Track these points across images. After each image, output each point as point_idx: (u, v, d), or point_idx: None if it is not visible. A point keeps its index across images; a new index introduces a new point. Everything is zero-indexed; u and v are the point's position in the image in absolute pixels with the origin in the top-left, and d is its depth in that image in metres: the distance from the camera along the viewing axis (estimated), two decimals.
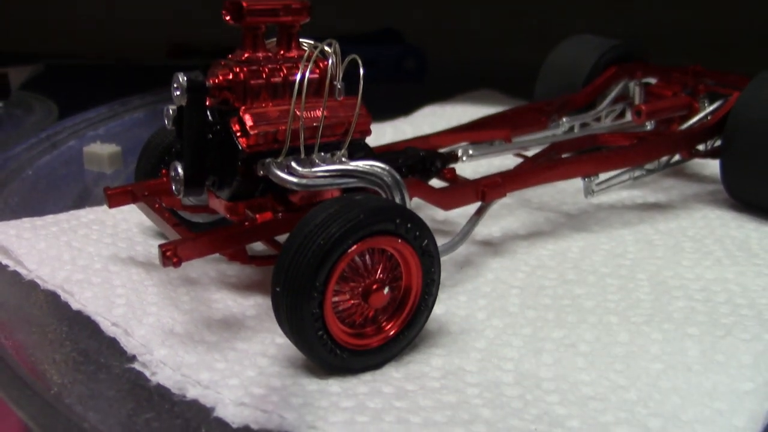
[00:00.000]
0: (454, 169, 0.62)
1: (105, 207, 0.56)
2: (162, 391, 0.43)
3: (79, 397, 0.43)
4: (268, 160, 0.49)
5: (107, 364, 0.46)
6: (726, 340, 0.48)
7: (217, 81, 0.50)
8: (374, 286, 0.45)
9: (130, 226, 0.63)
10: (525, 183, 0.61)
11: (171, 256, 0.46)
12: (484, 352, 0.48)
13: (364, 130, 0.54)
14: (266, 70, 0.51)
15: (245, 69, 0.50)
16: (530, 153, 0.68)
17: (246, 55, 0.51)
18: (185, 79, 0.47)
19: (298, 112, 0.48)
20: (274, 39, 0.53)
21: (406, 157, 0.60)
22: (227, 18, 0.50)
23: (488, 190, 0.57)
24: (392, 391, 0.44)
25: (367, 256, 0.45)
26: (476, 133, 0.71)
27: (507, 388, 0.44)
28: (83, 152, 0.82)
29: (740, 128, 0.66)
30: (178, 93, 0.48)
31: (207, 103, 0.49)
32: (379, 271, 0.45)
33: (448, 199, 0.58)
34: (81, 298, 0.51)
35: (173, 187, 0.50)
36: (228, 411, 0.41)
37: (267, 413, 0.41)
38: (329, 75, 0.49)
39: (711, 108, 0.74)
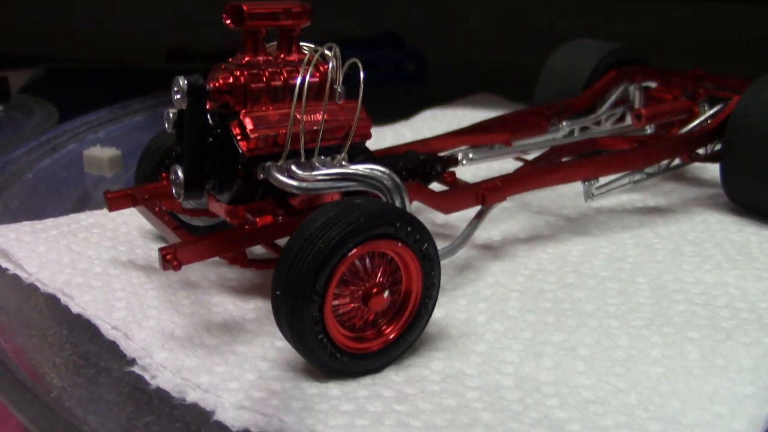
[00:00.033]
0: (454, 173, 0.62)
1: (105, 210, 0.56)
2: (162, 395, 0.43)
3: (79, 400, 0.43)
4: (268, 163, 0.49)
5: (107, 368, 0.46)
6: (726, 344, 0.48)
7: (217, 84, 0.50)
8: (374, 290, 0.45)
9: (130, 229, 0.63)
10: (525, 187, 0.61)
11: (171, 259, 0.46)
12: (484, 356, 0.48)
13: (364, 134, 0.54)
14: (267, 73, 0.51)
15: (246, 72, 0.50)
16: (530, 157, 0.68)
17: (246, 59, 0.51)
18: (186, 82, 0.47)
19: (298, 116, 0.48)
20: (275, 42, 0.53)
21: (406, 160, 0.60)
22: (228, 22, 0.51)
23: (488, 193, 0.57)
24: (392, 394, 0.43)
25: (367, 260, 0.45)
26: (476, 137, 0.71)
27: (507, 392, 0.44)
28: (83, 156, 0.82)
29: (740, 132, 0.66)
30: (178, 96, 0.48)
31: (207, 107, 0.49)
32: (379, 275, 0.45)
33: (448, 202, 0.58)
34: (81, 302, 0.51)
35: (173, 191, 0.50)
36: (228, 414, 0.41)
37: (267, 417, 0.41)
38: (329, 79, 0.49)
39: (711, 112, 0.74)
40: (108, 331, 0.49)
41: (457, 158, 0.64)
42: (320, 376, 0.45)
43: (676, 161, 0.72)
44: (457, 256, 0.59)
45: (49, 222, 0.64)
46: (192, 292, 0.54)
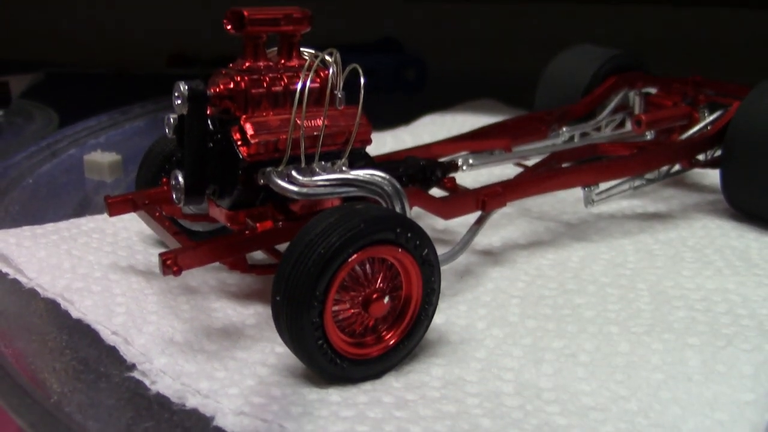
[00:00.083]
0: (454, 179, 0.62)
1: (105, 215, 0.56)
2: (162, 400, 0.43)
3: (78, 405, 0.43)
4: (268, 169, 0.49)
5: (107, 373, 0.46)
6: (727, 350, 0.48)
7: (218, 90, 0.50)
8: (374, 296, 0.45)
9: (131, 234, 0.63)
10: (525, 192, 0.61)
11: (171, 264, 0.46)
12: (485, 362, 0.48)
13: (364, 140, 0.54)
14: (267, 79, 0.51)
15: (246, 78, 0.50)
16: (530, 162, 0.68)
17: (247, 64, 0.51)
18: (186, 88, 0.47)
19: (298, 122, 0.49)
20: (275, 48, 0.53)
21: (406, 166, 0.60)
22: (228, 27, 0.51)
23: (488, 199, 0.58)
24: (392, 400, 0.43)
25: (368, 266, 0.45)
26: (476, 143, 0.71)
27: (507, 398, 0.44)
28: (84, 161, 0.82)
29: (740, 138, 0.66)
30: (179, 102, 0.48)
31: (208, 112, 0.50)
32: (379, 281, 0.45)
33: (448, 208, 0.58)
34: (81, 307, 0.51)
35: (174, 196, 0.50)
36: (228, 420, 0.41)
37: (267, 422, 0.41)
38: (330, 84, 0.49)
39: (711, 118, 0.74)
40: (108, 336, 0.49)
41: (457, 164, 0.64)
42: (320, 382, 0.45)
43: (676, 167, 0.72)
44: (458, 262, 0.59)
45: (50, 227, 0.64)
46: (192, 298, 0.54)
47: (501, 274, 0.59)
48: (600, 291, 0.56)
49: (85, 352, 0.48)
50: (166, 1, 1.55)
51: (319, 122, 0.50)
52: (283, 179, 0.48)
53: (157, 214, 0.54)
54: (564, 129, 0.75)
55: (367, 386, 0.45)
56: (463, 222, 0.60)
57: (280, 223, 0.51)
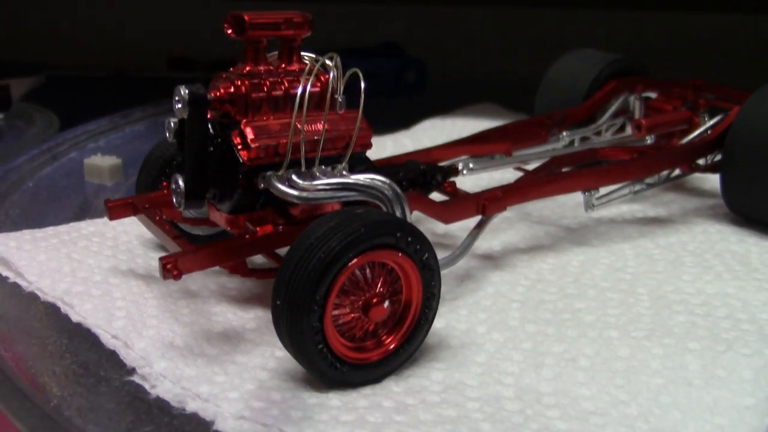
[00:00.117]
0: (454, 183, 0.62)
1: (105, 219, 0.56)
2: (161, 404, 0.43)
3: (78, 409, 0.43)
4: (269, 173, 0.49)
5: (107, 377, 0.46)
6: (727, 355, 0.48)
7: (218, 94, 0.50)
8: (374, 300, 0.45)
9: (131, 238, 0.63)
10: (525, 197, 0.61)
11: (171, 268, 0.46)
12: (485, 367, 0.47)
13: (365, 144, 0.54)
14: (267, 83, 0.51)
15: (247, 82, 0.50)
16: (531, 167, 0.68)
17: (247, 69, 0.51)
18: (187, 91, 0.47)
19: (299, 126, 0.49)
20: (276, 52, 0.53)
21: (406, 170, 0.60)
22: (229, 31, 0.51)
23: (489, 203, 0.58)
24: (392, 405, 0.43)
25: (368, 270, 0.45)
26: (477, 147, 0.71)
27: (507, 403, 0.44)
28: (84, 164, 0.82)
29: (740, 143, 0.66)
30: (179, 106, 0.48)
31: (208, 116, 0.50)
32: (379, 285, 0.45)
33: (448, 212, 0.58)
34: (81, 311, 0.51)
35: (174, 200, 0.50)
36: (228, 424, 0.41)
37: (267, 427, 0.41)
38: (330, 88, 0.49)
39: (711, 122, 0.74)
40: (108, 340, 0.49)
41: (457, 168, 0.64)
42: (320, 386, 0.45)
43: (677, 172, 0.72)
44: (458, 266, 0.59)
45: (50, 230, 0.64)
46: (192, 302, 0.54)
47: (501, 279, 0.59)
48: (600, 295, 0.56)
49: (85, 356, 0.48)
50: (167, 5, 1.55)
51: (320, 126, 0.50)
52: (283, 183, 0.48)
53: (158, 217, 0.54)
54: (564, 133, 0.75)
55: (367, 390, 0.45)
56: (464, 226, 0.60)
57: (281, 227, 0.51)
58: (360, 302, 0.45)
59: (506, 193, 0.59)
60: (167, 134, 0.50)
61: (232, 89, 0.50)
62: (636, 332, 0.51)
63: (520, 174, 0.66)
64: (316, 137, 0.50)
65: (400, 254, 0.44)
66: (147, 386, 0.45)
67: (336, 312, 0.44)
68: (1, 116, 1.08)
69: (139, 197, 0.57)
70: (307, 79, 0.48)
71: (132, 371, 0.46)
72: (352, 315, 0.45)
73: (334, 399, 0.44)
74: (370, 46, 1.37)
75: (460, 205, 0.58)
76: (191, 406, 0.43)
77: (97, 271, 0.57)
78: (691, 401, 0.44)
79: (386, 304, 0.45)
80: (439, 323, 0.51)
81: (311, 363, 0.43)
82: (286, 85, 0.51)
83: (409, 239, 0.44)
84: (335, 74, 0.50)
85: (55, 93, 1.29)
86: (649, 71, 0.87)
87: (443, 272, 0.49)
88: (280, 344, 0.45)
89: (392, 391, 0.45)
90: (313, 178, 0.49)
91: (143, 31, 1.55)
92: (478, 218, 0.59)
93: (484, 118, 1.00)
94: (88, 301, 0.52)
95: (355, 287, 0.44)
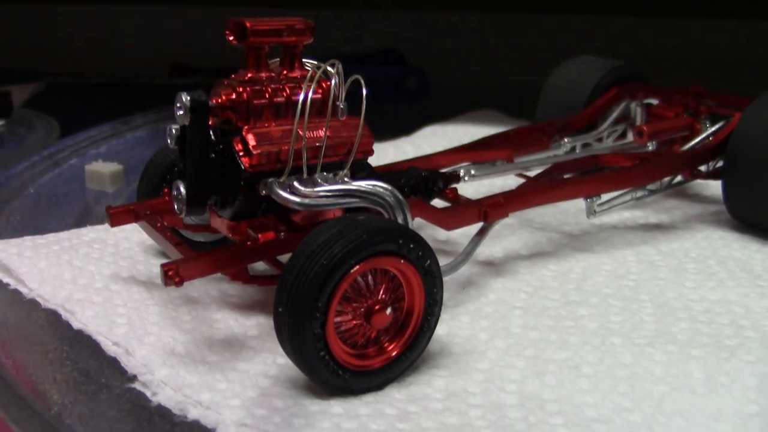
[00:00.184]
0: (456, 189, 0.62)
1: (106, 226, 0.56)
2: (163, 412, 0.43)
3: (79, 417, 0.43)
4: (270, 179, 0.49)
5: (108, 384, 0.46)
6: (730, 362, 0.48)
7: (220, 101, 0.50)
8: (376, 307, 0.45)
9: (132, 245, 0.63)
10: (527, 203, 0.61)
11: (173, 275, 0.46)
12: (487, 374, 0.47)
13: (366, 150, 0.54)
14: (269, 90, 0.51)
15: (248, 89, 0.50)
16: (532, 173, 0.68)
17: (249, 75, 0.51)
18: (188, 98, 0.47)
19: (300, 132, 0.48)
20: (278, 59, 0.53)
21: (408, 177, 0.60)
22: (231, 38, 0.51)
23: (490, 210, 0.57)
24: (394, 412, 0.43)
25: (370, 277, 0.45)
26: (478, 153, 0.71)
27: (510, 410, 0.44)
28: (85, 171, 0.82)
29: (742, 149, 0.66)
30: (181, 112, 0.48)
31: (210, 123, 0.50)
32: (381, 292, 0.45)
33: (450, 219, 0.57)
34: (82, 318, 0.51)
35: (175, 207, 0.50)
36: None
37: None
38: (332, 95, 0.49)
39: (713, 129, 0.74)
40: (109, 347, 0.49)
41: (459, 174, 0.64)
42: (322, 394, 0.44)
43: (678, 178, 0.72)
44: (459, 273, 0.59)
45: (51, 237, 0.63)
46: (193, 309, 0.54)
47: (503, 285, 0.59)
48: (603, 302, 0.56)
49: (86, 363, 0.48)
50: (169, 12, 1.55)
51: (321, 133, 0.50)
52: (285, 190, 0.48)
53: (159, 224, 0.54)
54: (566, 140, 0.75)
55: (369, 398, 0.45)
56: (465, 233, 0.60)
57: (282, 233, 0.51)
58: (362, 309, 0.45)
59: (508, 199, 0.59)
60: (168, 141, 0.50)
61: (233, 96, 0.50)
62: (639, 339, 0.51)
63: (521, 180, 0.66)
64: (317, 144, 0.50)
65: (402, 261, 0.44)
66: (148, 394, 0.44)
67: (338, 319, 0.44)
68: (3, 123, 1.08)
69: (141, 204, 0.56)
70: (309, 86, 0.48)
71: (133, 378, 0.46)
72: (354, 322, 0.45)
73: (336, 406, 0.43)
74: (371, 53, 1.38)
75: (461, 211, 0.58)
76: (193, 414, 0.43)
77: (99, 277, 0.57)
78: (695, 408, 0.44)
79: (388, 311, 0.45)
80: (441, 330, 0.51)
81: (313, 370, 0.43)
82: (288, 91, 0.51)
83: (411, 246, 0.44)
84: (337, 81, 0.49)
85: (56, 99, 1.29)
86: (649, 78, 0.87)
87: (445, 279, 0.49)
88: (281, 351, 0.44)
89: (394, 398, 0.45)
90: (315, 184, 0.49)
91: (145, 38, 1.56)
92: (479, 225, 0.58)
93: (485, 125, 1.00)
94: (89, 308, 0.52)
95: (357, 294, 0.44)
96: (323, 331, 0.42)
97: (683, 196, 0.79)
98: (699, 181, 0.76)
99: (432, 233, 0.66)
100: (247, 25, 0.50)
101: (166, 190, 0.57)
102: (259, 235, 0.50)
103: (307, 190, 0.48)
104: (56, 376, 0.47)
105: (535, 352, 0.50)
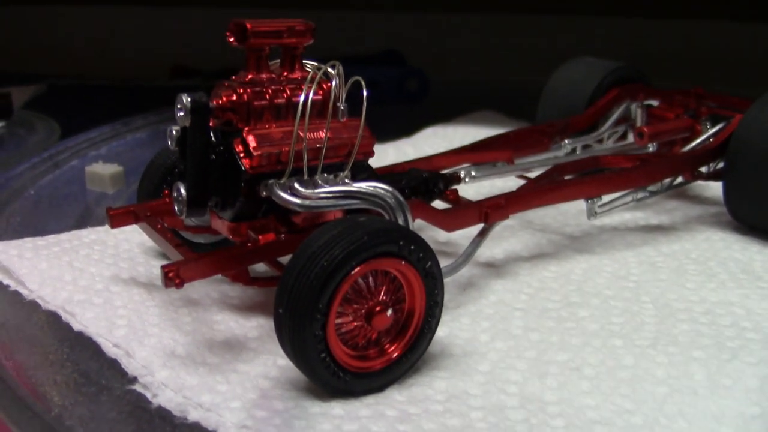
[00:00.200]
0: (456, 191, 0.62)
1: (107, 227, 0.56)
2: (163, 414, 0.43)
3: (80, 418, 0.43)
4: (271, 181, 0.49)
5: (108, 386, 0.46)
6: (732, 363, 0.48)
7: (220, 102, 0.50)
8: (377, 308, 0.44)
9: (132, 246, 0.63)
10: (528, 205, 0.61)
11: (173, 277, 0.46)
12: (488, 375, 0.47)
13: (367, 152, 0.54)
14: (270, 91, 0.51)
15: (249, 90, 0.50)
16: (533, 174, 0.68)
17: (250, 77, 0.51)
18: (189, 100, 0.47)
19: (301, 134, 0.48)
20: (278, 60, 0.53)
21: (409, 178, 0.60)
22: (231, 40, 0.51)
23: (491, 211, 0.57)
24: (395, 414, 0.43)
25: (371, 278, 0.44)
26: (479, 155, 0.71)
27: (511, 412, 0.44)
28: (85, 172, 0.82)
29: (743, 150, 0.66)
30: (181, 114, 0.48)
31: (210, 124, 0.49)
32: (382, 293, 0.45)
33: (450, 220, 0.57)
34: (82, 319, 0.51)
35: (176, 208, 0.50)
36: None
37: None
38: (333, 96, 0.49)
39: (713, 130, 0.74)
40: (109, 348, 0.48)
41: (459, 176, 0.64)
42: (323, 396, 0.44)
43: (679, 179, 0.72)
44: (460, 275, 0.59)
45: (51, 238, 0.63)
46: (194, 310, 0.54)
47: (504, 287, 0.59)
48: (604, 304, 0.56)
49: (86, 365, 0.48)
50: (169, 13, 1.55)
51: (322, 134, 0.50)
52: (285, 191, 0.48)
53: (159, 226, 0.54)
54: (566, 141, 0.75)
55: (370, 400, 0.45)
56: (466, 234, 0.60)
57: (283, 235, 0.51)
58: (363, 311, 0.45)
59: (509, 200, 0.59)
60: (169, 142, 0.50)
61: (234, 97, 0.50)
62: (640, 341, 0.51)
63: (522, 182, 0.66)
64: (318, 145, 0.50)
65: (403, 262, 0.44)
66: (149, 395, 0.44)
67: (339, 320, 0.44)
68: (3, 124, 1.08)
69: (141, 205, 0.56)
70: (310, 87, 0.48)
71: (133, 380, 0.46)
72: (355, 323, 0.45)
73: (337, 408, 0.43)
74: (371, 54, 1.38)
75: (462, 212, 0.58)
76: (193, 416, 0.42)
77: (99, 279, 0.57)
78: (697, 410, 0.44)
79: (389, 312, 0.45)
80: (441, 332, 0.51)
81: (314, 372, 0.43)
82: (289, 93, 0.51)
83: (412, 247, 0.44)
84: (337, 82, 0.49)
85: (56, 101, 1.29)
86: (649, 79, 0.87)
87: (446, 280, 0.49)
88: (282, 353, 0.44)
89: (395, 400, 0.45)
90: (316, 186, 0.49)
91: (145, 40, 1.56)
92: (480, 226, 0.58)
93: (485, 126, 1.00)
94: (90, 310, 0.52)
95: (357, 296, 0.44)
96: (324, 333, 0.42)
97: (684, 198, 0.79)
98: (700, 183, 0.76)
99: (432, 234, 0.66)
100: (248, 26, 0.50)
101: (166, 191, 0.57)
102: (260, 237, 0.50)
103: (308, 191, 0.48)
104: (56, 378, 0.47)
105: (536, 353, 0.50)
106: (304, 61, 0.53)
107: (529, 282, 0.60)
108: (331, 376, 0.43)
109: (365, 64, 1.27)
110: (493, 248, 0.66)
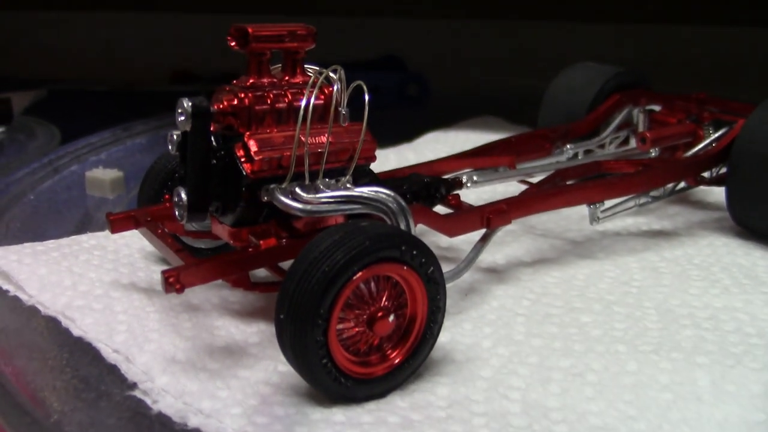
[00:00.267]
0: (458, 196, 0.62)
1: (107, 232, 0.56)
2: (163, 420, 0.43)
3: (79, 424, 0.43)
4: (272, 186, 0.49)
5: (108, 392, 0.46)
6: (736, 369, 0.48)
7: (221, 106, 0.50)
8: (379, 314, 0.44)
9: (132, 251, 0.63)
10: (530, 210, 0.61)
11: (174, 282, 0.46)
12: (490, 381, 0.47)
13: (368, 156, 0.53)
14: (271, 95, 0.50)
15: (250, 95, 0.50)
16: (535, 180, 0.67)
17: (251, 81, 0.51)
18: (190, 104, 0.47)
19: (302, 138, 0.48)
20: (280, 65, 0.53)
21: (410, 183, 0.60)
22: (232, 44, 0.50)
23: (493, 216, 0.57)
24: (397, 420, 0.43)
25: (372, 284, 0.44)
26: (480, 160, 0.71)
27: (514, 418, 0.43)
28: (85, 177, 0.82)
29: (745, 155, 0.66)
30: (182, 118, 0.48)
31: (211, 129, 0.49)
32: (384, 299, 0.45)
33: (452, 225, 0.57)
34: (82, 325, 0.51)
35: (176, 213, 0.50)
36: None
37: None
38: (334, 101, 0.49)
39: (716, 135, 0.74)
40: (109, 354, 0.48)
41: (461, 181, 0.64)
42: (324, 402, 0.44)
43: (682, 184, 0.72)
44: (462, 280, 0.59)
45: (51, 243, 0.63)
46: (194, 316, 0.53)
47: (506, 292, 0.58)
48: (606, 309, 0.56)
49: (85, 371, 0.48)
50: (170, 19, 1.55)
51: (323, 139, 0.50)
52: (286, 196, 0.48)
53: (160, 231, 0.54)
54: (568, 146, 0.75)
55: (372, 406, 0.44)
56: (468, 239, 0.60)
57: (284, 240, 0.50)
58: (364, 316, 0.44)
59: (511, 206, 0.58)
60: (170, 147, 0.50)
61: (235, 102, 0.50)
62: (644, 346, 0.50)
63: (524, 187, 0.66)
64: (319, 150, 0.49)
65: (405, 267, 0.44)
66: (149, 401, 0.44)
67: (340, 326, 0.44)
68: (3, 130, 1.08)
69: (141, 210, 0.56)
70: (311, 92, 0.48)
71: (133, 386, 0.46)
72: (357, 329, 0.44)
73: (339, 414, 0.43)
74: (372, 60, 1.38)
75: (464, 218, 0.58)
76: (193, 422, 0.42)
77: (99, 284, 0.56)
78: (701, 417, 0.43)
79: (391, 318, 0.44)
80: (443, 337, 0.51)
81: (315, 378, 0.43)
82: (290, 97, 0.51)
83: (414, 252, 0.44)
84: (339, 87, 0.49)
85: (56, 106, 1.29)
86: (651, 84, 0.87)
87: (448, 286, 0.49)
88: (283, 359, 0.44)
89: (397, 406, 0.44)
90: (317, 191, 0.48)
91: (146, 45, 1.56)
92: (482, 231, 0.58)
93: (487, 131, 0.99)
94: (89, 315, 0.52)
95: (359, 301, 0.44)
96: (325, 339, 0.42)
97: (686, 203, 0.79)
98: (702, 188, 0.76)
99: (434, 240, 0.66)
100: (249, 30, 0.49)
101: (167, 196, 0.57)
102: (261, 242, 0.50)
103: (309, 196, 0.48)
104: (56, 384, 0.47)
105: (539, 359, 0.49)
106: (305, 66, 0.53)
107: (532, 287, 0.59)
108: (332, 382, 0.43)
109: (366, 70, 1.27)
110: (495, 253, 0.65)
